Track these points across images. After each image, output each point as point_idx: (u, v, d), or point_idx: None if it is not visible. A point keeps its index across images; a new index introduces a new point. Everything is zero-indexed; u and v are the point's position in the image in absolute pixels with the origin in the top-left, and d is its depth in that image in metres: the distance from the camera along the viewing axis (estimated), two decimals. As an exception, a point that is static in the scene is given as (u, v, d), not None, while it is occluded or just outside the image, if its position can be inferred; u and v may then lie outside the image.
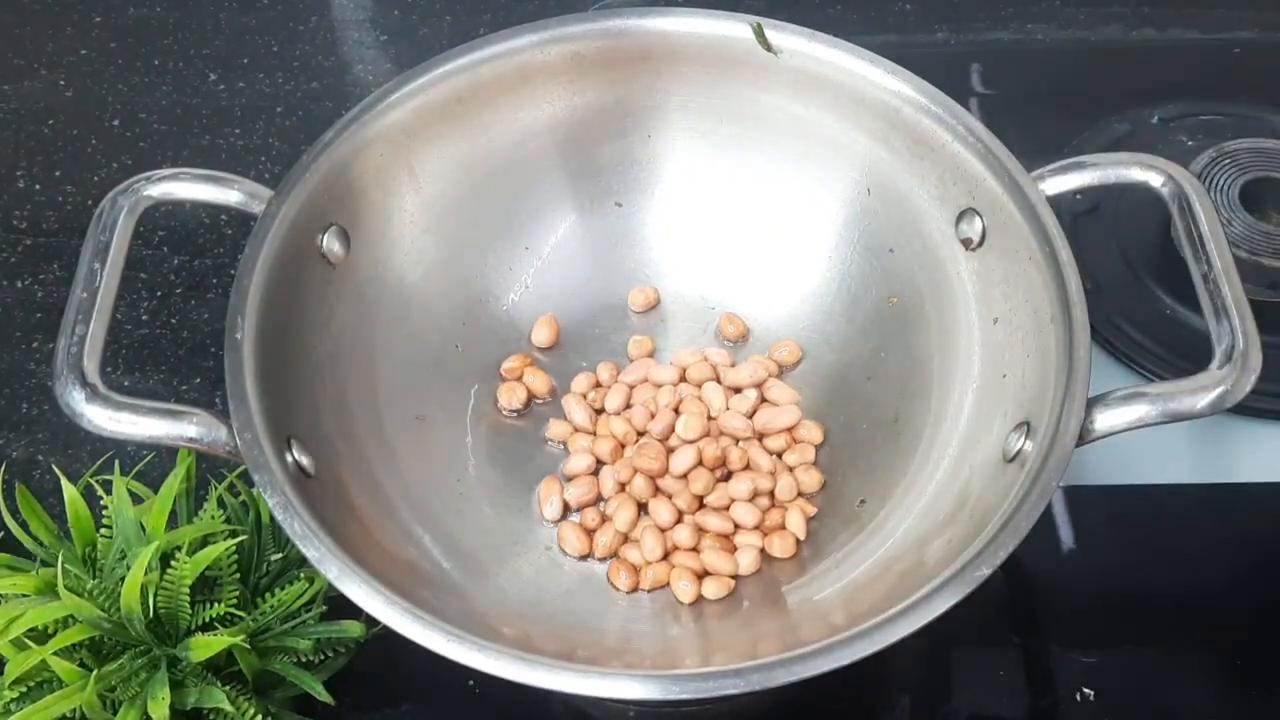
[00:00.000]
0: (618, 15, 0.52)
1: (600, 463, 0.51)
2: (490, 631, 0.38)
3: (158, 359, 0.58)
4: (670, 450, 0.50)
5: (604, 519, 0.49)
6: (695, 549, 0.48)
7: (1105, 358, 0.56)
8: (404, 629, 0.37)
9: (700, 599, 0.47)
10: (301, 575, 0.46)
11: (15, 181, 0.65)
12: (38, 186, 0.65)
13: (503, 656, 0.36)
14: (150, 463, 0.51)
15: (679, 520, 0.49)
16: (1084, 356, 0.42)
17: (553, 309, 0.55)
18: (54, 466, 0.51)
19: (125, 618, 0.41)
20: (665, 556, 0.48)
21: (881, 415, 0.51)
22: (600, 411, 0.52)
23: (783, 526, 0.48)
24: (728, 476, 0.50)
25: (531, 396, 0.53)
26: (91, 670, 0.40)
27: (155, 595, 0.41)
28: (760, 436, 0.51)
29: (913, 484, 0.48)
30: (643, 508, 0.49)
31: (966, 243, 0.49)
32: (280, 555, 0.46)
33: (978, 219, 0.49)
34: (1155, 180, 0.47)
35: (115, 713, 0.41)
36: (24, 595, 0.43)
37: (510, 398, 0.52)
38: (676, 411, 0.51)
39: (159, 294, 0.60)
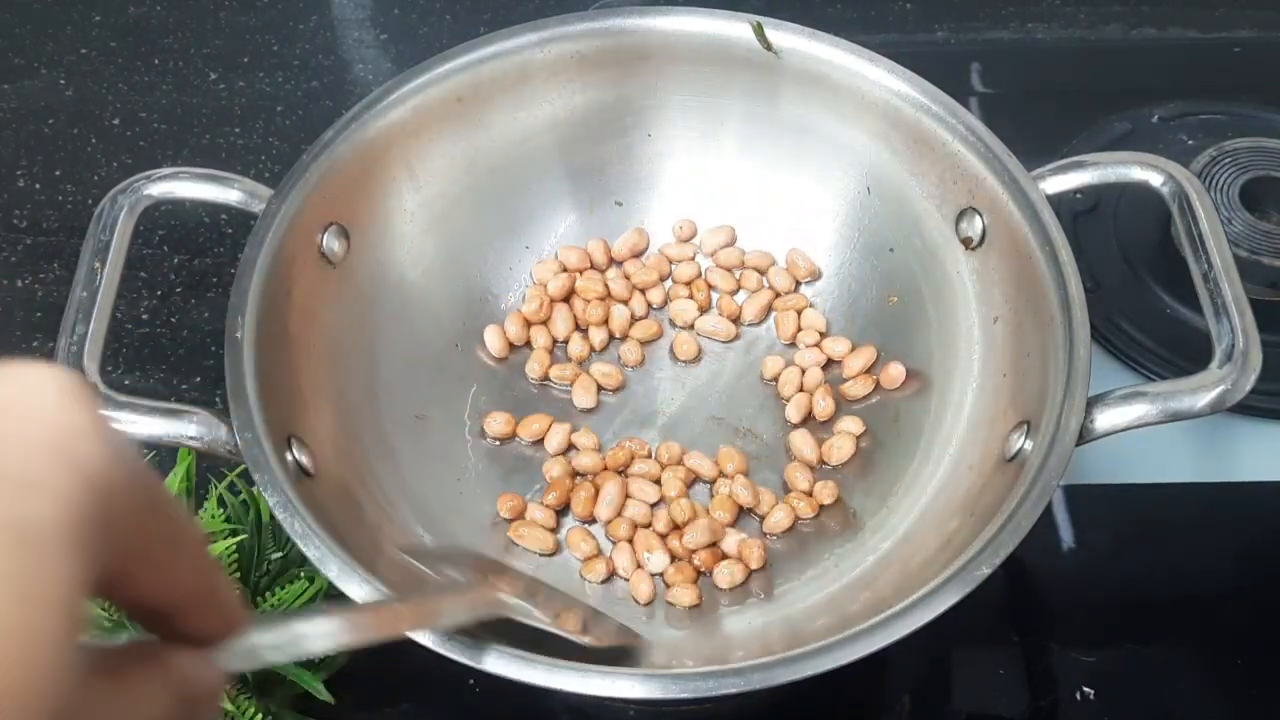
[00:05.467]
0: (618, 15, 0.52)
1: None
2: (490, 631, 0.38)
3: (158, 358, 0.58)
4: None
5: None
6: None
7: (1105, 357, 0.56)
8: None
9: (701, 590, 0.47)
10: (302, 574, 0.46)
11: (15, 181, 0.65)
12: (38, 186, 0.65)
13: (503, 656, 0.36)
14: (150, 462, 0.51)
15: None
16: (1084, 356, 0.42)
17: (552, 308, 0.55)
18: (54, 466, 0.51)
19: (126, 616, 0.41)
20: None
21: (882, 414, 0.51)
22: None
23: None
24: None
25: (531, 396, 0.53)
26: (91, 670, 0.40)
27: (155, 595, 0.41)
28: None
29: (913, 483, 0.48)
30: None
31: (966, 242, 0.49)
32: (280, 554, 0.46)
33: (978, 218, 0.49)
34: (1155, 179, 0.47)
35: (114, 712, 0.40)
36: (24, 594, 0.43)
37: (510, 397, 0.52)
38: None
39: (159, 293, 0.60)
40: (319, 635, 0.26)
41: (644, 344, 0.54)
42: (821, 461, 0.50)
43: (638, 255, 0.56)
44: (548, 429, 0.51)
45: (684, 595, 0.46)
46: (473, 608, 0.35)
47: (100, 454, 0.16)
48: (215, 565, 0.21)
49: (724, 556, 0.47)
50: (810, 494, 0.49)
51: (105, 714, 0.18)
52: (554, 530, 0.48)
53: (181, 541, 0.19)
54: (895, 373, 0.51)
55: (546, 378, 0.53)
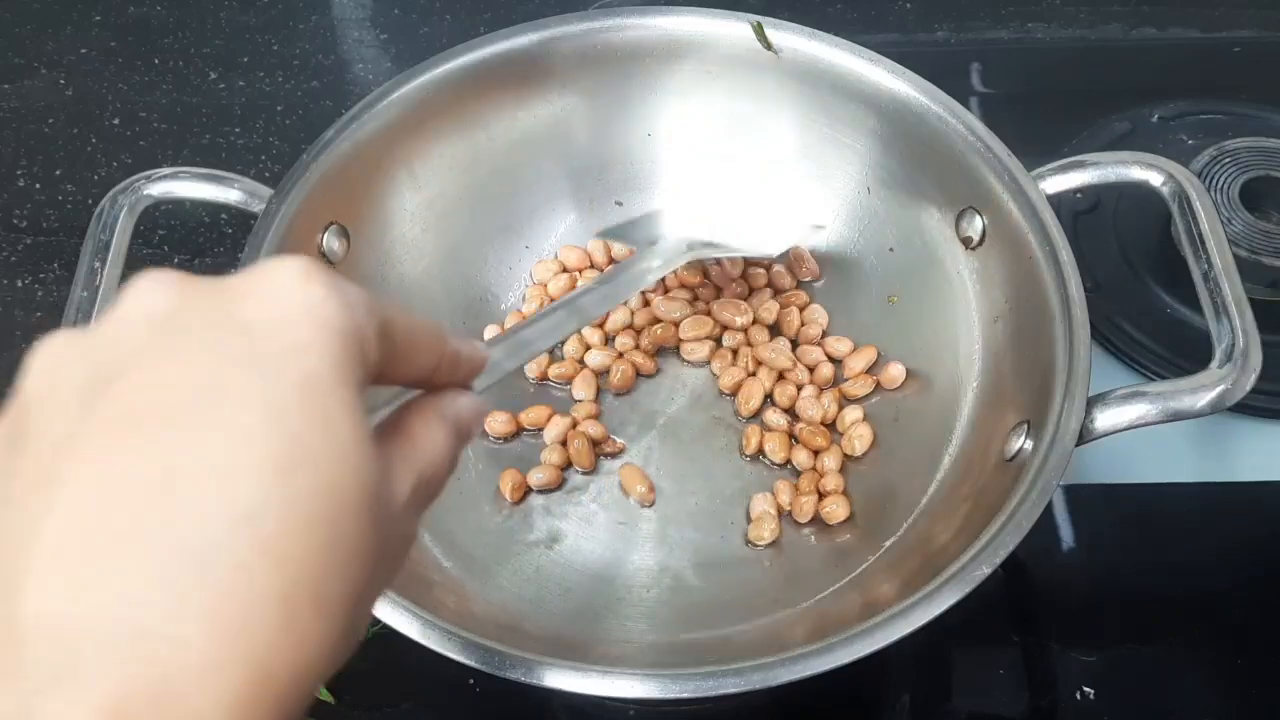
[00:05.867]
0: (618, 15, 0.52)
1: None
2: (490, 630, 0.38)
3: (158, 358, 0.58)
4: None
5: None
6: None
7: (1105, 357, 0.56)
8: (404, 628, 0.37)
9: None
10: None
11: (15, 181, 0.65)
12: (38, 186, 0.65)
13: (504, 656, 0.36)
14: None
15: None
16: (1084, 355, 0.42)
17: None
18: (54, 466, 0.51)
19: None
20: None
21: (882, 414, 0.51)
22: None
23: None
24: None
25: (531, 396, 0.53)
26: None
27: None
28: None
29: (913, 483, 0.48)
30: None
31: (967, 242, 0.49)
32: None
33: (978, 218, 0.49)
34: (1155, 179, 0.47)
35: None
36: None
37: (510, 397, 0.52)
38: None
39: (159, 293, 0.60)
40: (537, 338, 0.34)
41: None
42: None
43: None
44: (547, 419, 0.51)
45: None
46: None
47: (338, 311, 0.22)
48: (445, 340, 0.27)
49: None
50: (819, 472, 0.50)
51: (406, 467, 0.24)
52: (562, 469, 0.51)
53: (415, 339, 0.25)
54: (895, 373, 0.51)
55: (545, 377, 0.53)
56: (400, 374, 0.25)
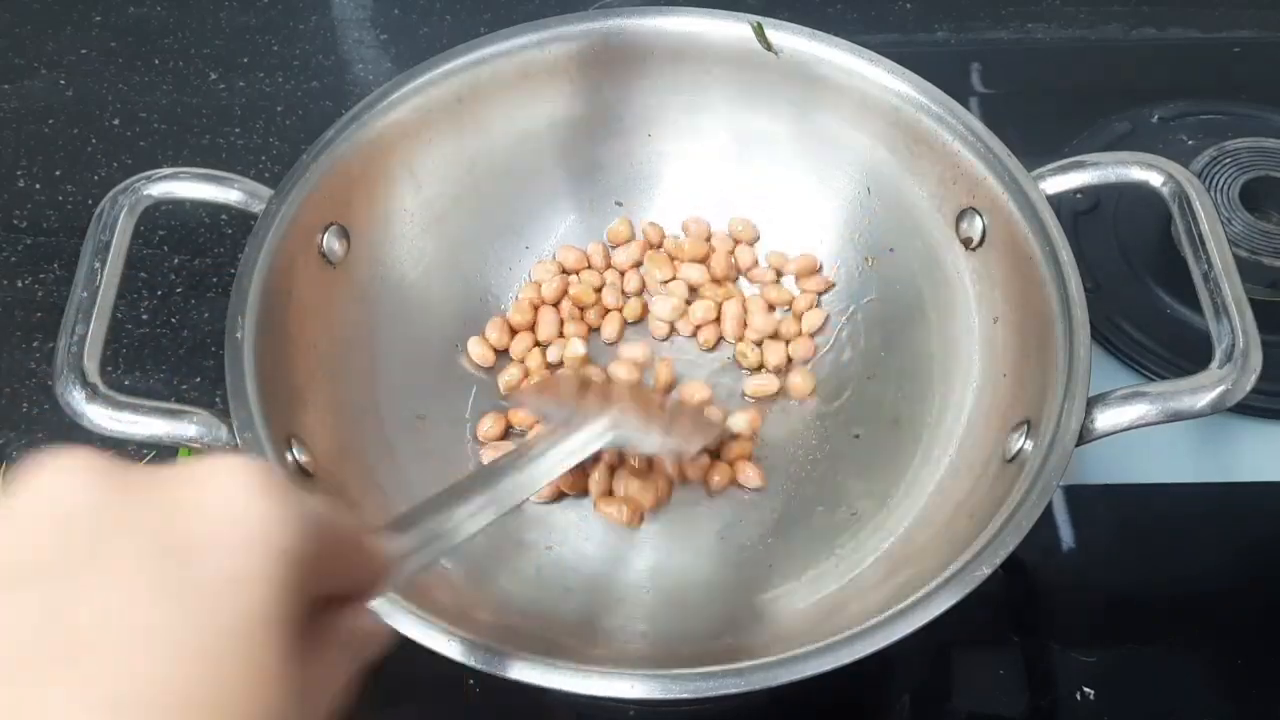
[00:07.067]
0: (618, 15, 0.52)
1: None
2: (490, 630, 0.38)
3: (158, 358, 0.58)
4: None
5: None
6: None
7: (1105, 357, 0.56)
8: (405, 629, 0.37)
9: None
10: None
11: (15, 181, 0.65)
12: (38, 186, 0.65)
13: (503, 656, 0.36)
14: (150, 462, 0.51)
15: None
16: (1084, 356, 0.42)
17: (553, 308, 0.55)
18: (54, 466, 0.51)
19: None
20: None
21: (882, 415, 0.51)
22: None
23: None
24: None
25: (531, 396, 0.53)
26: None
27: (155, 595, 0.41)
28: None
29: (913, 483, 0.48)
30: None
31: (967, 242, 0.49)
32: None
33: (978, 218, 0.49)
34: (1155, 179, 0.47)
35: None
36: (24, 595, 0.43)
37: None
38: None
39: (159, 293, 0.60)
40: (451, 529, 0.31)
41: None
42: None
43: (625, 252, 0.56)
44: (533, 423, 0.51)
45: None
46: (581, 443, 0.37)
47: (291, 533, 0.19)
48: (373, 549, 0.25)
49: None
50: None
51: (315, 698, 0.22)
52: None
53: (352, 550, 0.23)
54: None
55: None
56: (324, 588, 0.22)
